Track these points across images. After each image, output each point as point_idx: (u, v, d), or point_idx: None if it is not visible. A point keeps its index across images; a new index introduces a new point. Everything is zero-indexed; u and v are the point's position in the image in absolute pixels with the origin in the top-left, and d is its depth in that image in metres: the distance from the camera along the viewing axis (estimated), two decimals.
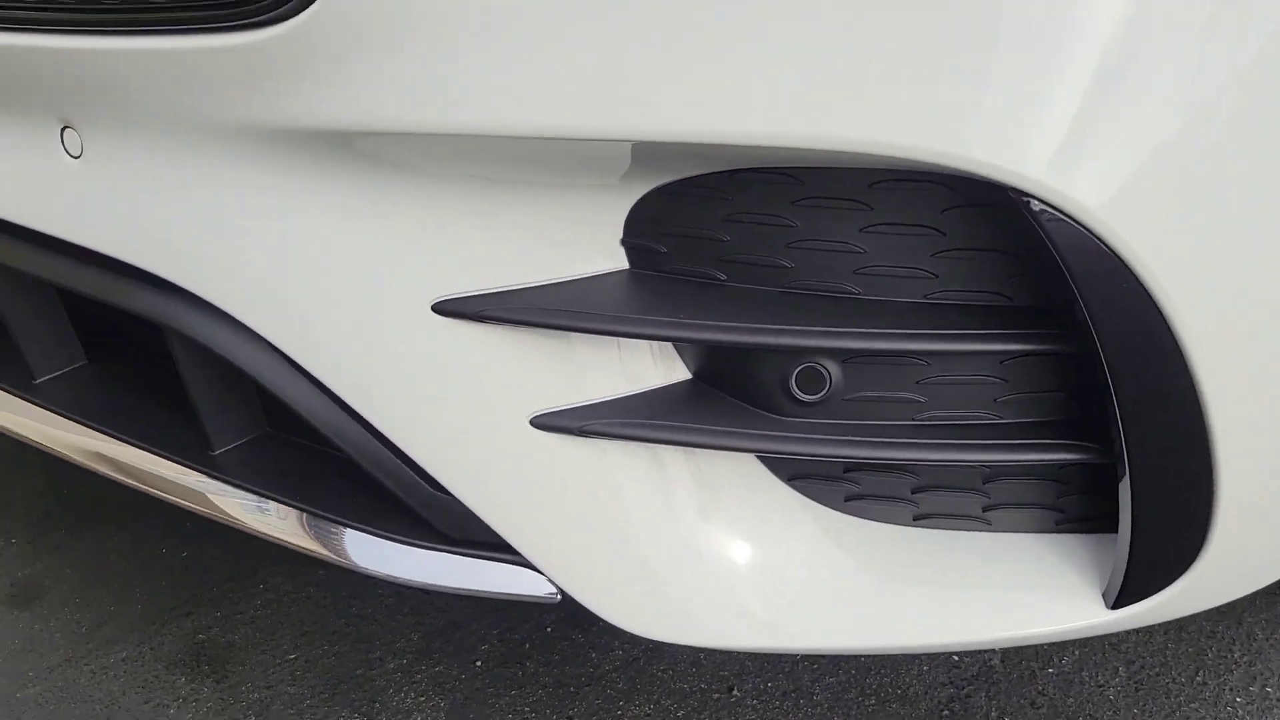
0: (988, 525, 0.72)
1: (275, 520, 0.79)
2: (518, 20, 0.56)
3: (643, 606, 0.71)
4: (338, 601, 1.15)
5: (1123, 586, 0.68)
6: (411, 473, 0.72)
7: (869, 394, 0.66)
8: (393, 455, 0.71)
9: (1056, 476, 0.70)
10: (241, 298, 0.70)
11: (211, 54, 0.61)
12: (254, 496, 0.82)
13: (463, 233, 0.66)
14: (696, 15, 0.54)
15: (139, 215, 0.73)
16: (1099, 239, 0.54)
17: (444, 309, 0.66)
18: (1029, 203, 0.54)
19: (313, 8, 0.58)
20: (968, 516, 0.72)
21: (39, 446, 0.92)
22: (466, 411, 0.69)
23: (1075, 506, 0.71)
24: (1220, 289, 0.58)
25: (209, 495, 0.83)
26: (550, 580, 0.72)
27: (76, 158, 0.74)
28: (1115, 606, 0.69)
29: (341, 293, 0.68)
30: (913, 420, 0.66)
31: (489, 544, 0.72)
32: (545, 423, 0.68)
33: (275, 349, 0.72)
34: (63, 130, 0.74)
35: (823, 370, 0.65)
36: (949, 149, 0.53)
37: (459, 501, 0.71)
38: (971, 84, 0.52)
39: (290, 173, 0.66)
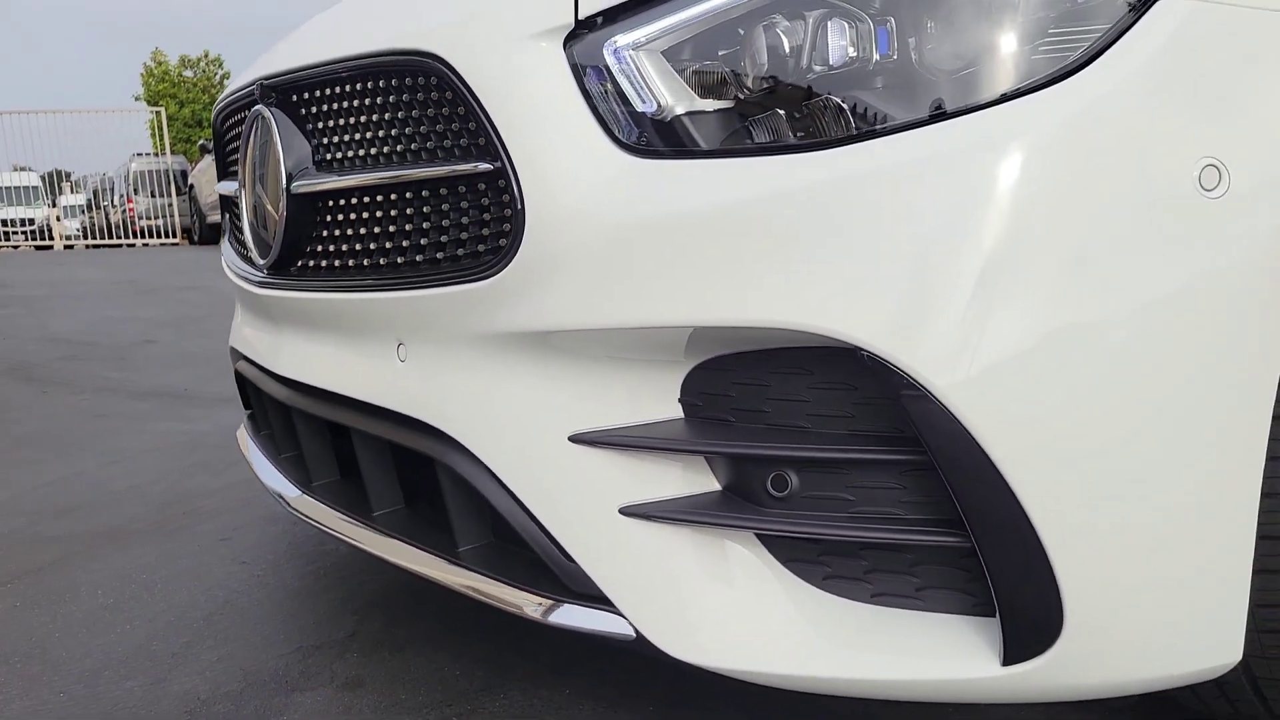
0: (923, 604, 1.02)
1: (480, 586, 1.24)
2: (612, 268, 1.05)
3: (684, 643, 1.08)
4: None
5: (1005, 651, 0.96)
6: (557, 545, 1.15)
7: (816, 494, 1.02)
8: (544, 532, 1.15)
9: (962, 565, 1.00)
10: (482, 442, 1.20)
11: (464, 294, 1.16)
12: (483, 576, 1.27)
13: (590, 390, 1.13)
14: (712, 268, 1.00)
15: (433, 393, 1.27)
16: (927, 391, 0.91)
17: (577, 439, 1.12)
18: (872, 360, 0.92)
19: (509, 267, 1.11)
20: (906, 595, 1.03)
21: (375, 556, 1.45)
22: (584, 508, 1.12)
23: (982, 591, 1.00)
24: (1014, 420, 0.91)
25: (454, 578, 1.31)
26: (629, 623, 1.10)
27: (403, 361, 1.31)
28: (1006, 665, 0.96)
29: (528, 435, 1.15)
30: (845, 512, 1.01)
31: (594, 597, 1.13)
32: (629, 512, 1.10)
33: (494, 474, 1.20)
34: (399, 346, 1.32)
35: (786, 477, 1.03)
36: (834, 328, 0.94)
37: (580, 567, 1.13)
38: (855, 293, 0.94)
39: (505, 358, 1.18)
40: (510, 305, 1.13)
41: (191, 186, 17.86)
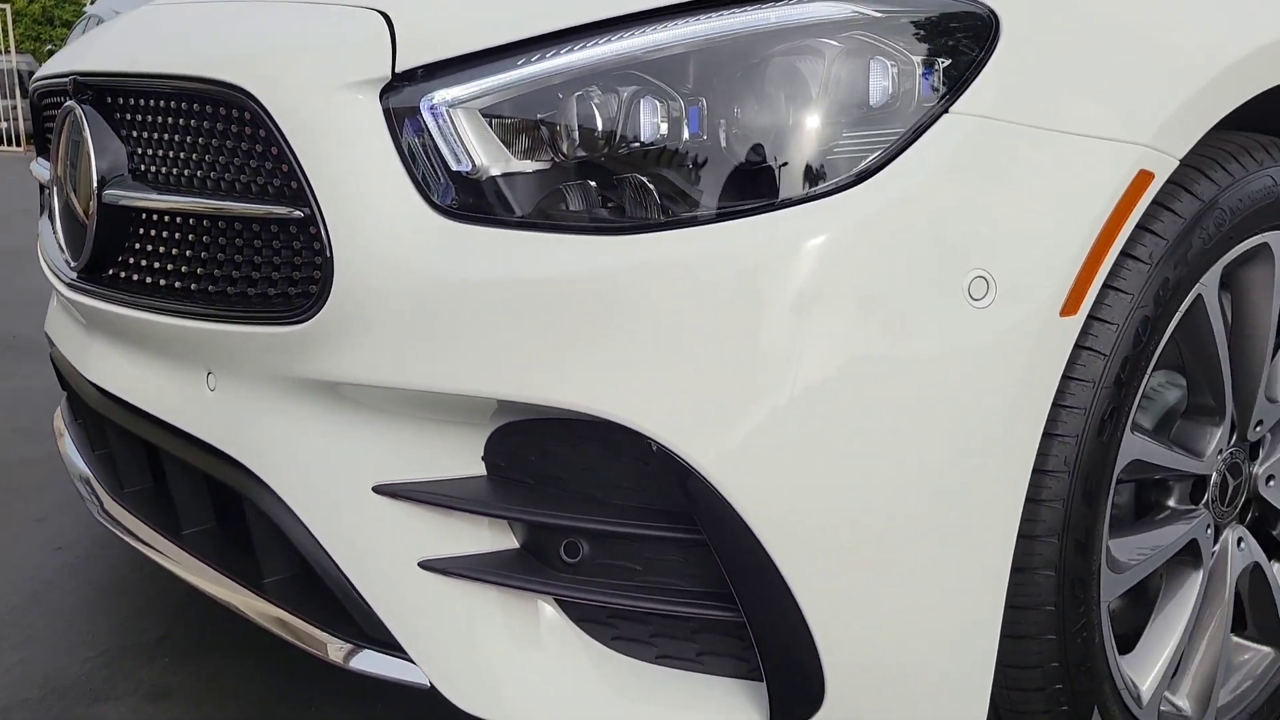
0: (701, 667, 1.08)
1: (284, 619, 1.25)
2: (417, 330, 1.06)
3: (476, 696, 1.11)
4: None
5: (771, 716, 1.03)
6: (356, 593, 1.17)
7: (606, 562, 1.07)
8: (344, 579, 1.17)
9: (737, 634, 1.06)
10: (287, 484, 1.20)
11: (272, 336, 1.15)
12: (286, 612, 1.28)
13: (396, 442, 1.14)
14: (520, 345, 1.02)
15: (242, 428, 1.26)
16: (695, 470, 0.96)
17: (381, 490, 1.14)
18: (654, 445, 0.97)
19: (316, 316, 1.10)
20: (688, 659, 1.08)
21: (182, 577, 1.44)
22: (385, 558, 1.14)
23: (755, 658, 1.06)
24: (773, 497, 0.97)
25: (260, 611, 1.31)
26: (424, 673, 1.13)
27: (213, 391, 1.29)
28: None
29: (333, 482, 1.16)
30: (633, 581, 1.06)
31: (392, 645, 1.15)
32: (428, 566, 1.12)
33: (297, 516, 1.21)
34: (208, 374, 1.30)
35: (579, 544, 1.07)
36: (619, 414, 0.98)
37: (378, 616, 1.15)
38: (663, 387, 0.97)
39: (314, 403, 1.18)
40: (316, 354, 1.13)
41: None
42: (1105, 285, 1.07)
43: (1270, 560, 1.50)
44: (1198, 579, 1.37)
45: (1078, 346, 1.06)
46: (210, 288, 1.24)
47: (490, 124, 1.09)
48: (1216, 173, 1.18)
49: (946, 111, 0.99)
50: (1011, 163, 1.01)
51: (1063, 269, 1.01)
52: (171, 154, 1.28)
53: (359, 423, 1.16)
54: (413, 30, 1.09)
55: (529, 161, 1.08)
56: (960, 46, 1.01)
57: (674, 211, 1.02)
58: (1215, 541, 1.39)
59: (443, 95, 1.08)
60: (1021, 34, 1.02)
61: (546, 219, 1.06)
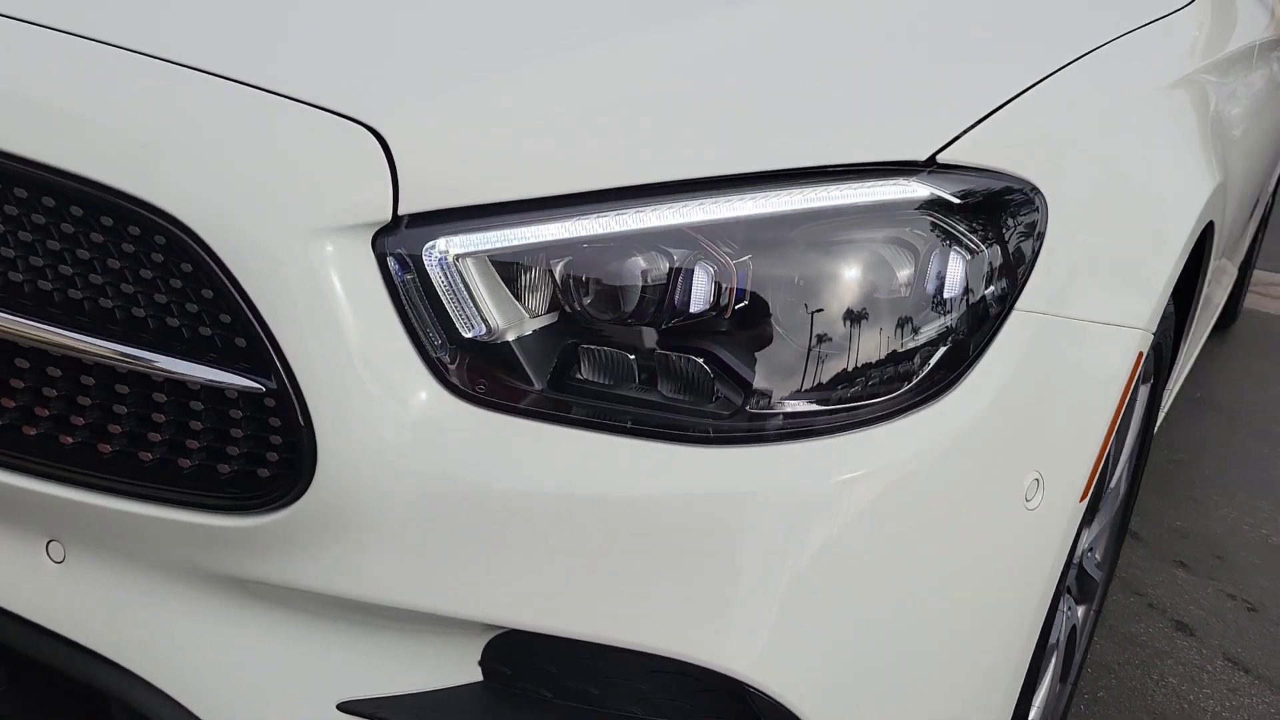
0: None
1: None
2: (427, 541, 0.88)
3: None
4: None
5: None
6: None
7: None
8: None
9: None
10: (205, 702, 0.96)
11: (210, 526, 0.90)
12: None
13: (369, 649, 0.96)
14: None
15: (112, 618, 0.98)
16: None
17: (348, 707, 0.95)
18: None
19: (290, 510, 0.88)
20: None
21: None
22: None
23: None
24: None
25: None
26: None
27: (59, 563, 1.00)
28: None
29: (280, 699, 0.95)
30: None
31: None
32: None
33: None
34: (49, 543, 1.00)
35: None
36: (690, 653, 0.88)
37: None
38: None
39: (249, 603, 0.95)
40: (272, 554, 0.90)
41: None
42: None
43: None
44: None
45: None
46: (111, 450, 0.93)
47: (519, 283, 0.91)
48: None
49: (1015, 309, 0.97)
50: (1061, 358, 1.01)
51: (1089, 457, 1.05)
52: (63, 269, 0.92)
53: (315, 627, 0.96)
54: (416, 159, 0.87)
55: (562, 336, 0.92)
56: (1019, 230, 0.99)
57: (749, 414, 0.91)
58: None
59: (458, 243, 0.89)
60: (1061, 214, 1.02)
61: (599, 417, 0.90)
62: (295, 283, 0.85)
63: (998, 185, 0.98)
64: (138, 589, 0.97)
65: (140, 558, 0.96)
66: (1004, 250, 0.97)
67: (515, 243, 0.90)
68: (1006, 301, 0.97)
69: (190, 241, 0.85)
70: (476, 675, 0.98)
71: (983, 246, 0.96)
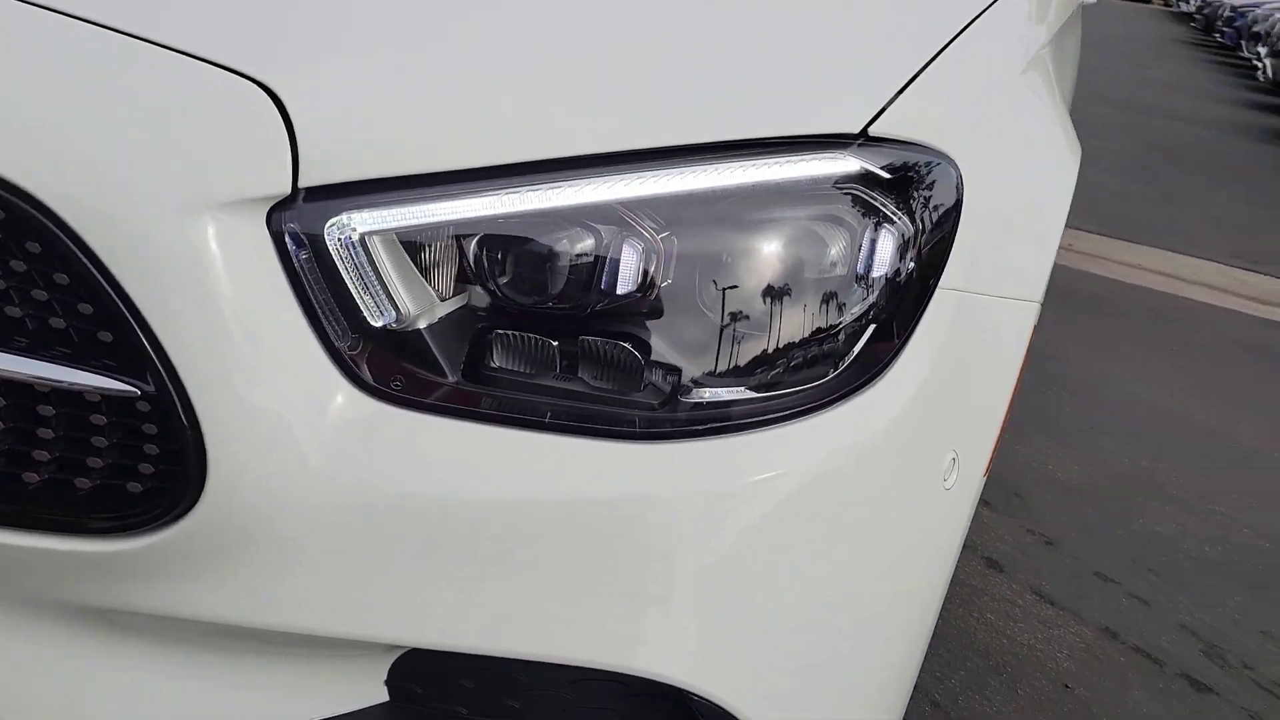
0: None
1: None
2: (332, 557, 0.78)
3: None
4: None
5: None
6: None
7: None
8: None
9: None
10: None
11: (75, 552, 0.77)
12: None
13: (250, 675, 0.85)
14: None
15: None
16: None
17: None
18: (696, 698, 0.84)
19: (174, 529, 0.76)
20: None
21: None
22: None
23: None
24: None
25: None
26: None
27: None
28: None
29: None
30: None
31: None
32: None
33: None
34: None
35: None
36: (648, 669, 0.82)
37: None
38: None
39: (116, 634, 0.82)
40: (160, 580, 0.78)
41: None
42: None
43: None
44: None
45: None
46: None
47: (429, 265, 0.81)
48: None
49: (939, 287, 0.96)
50: (974, 335, 1.01)
51: (994, 431, 1.06)
52: None
53: (191, 657, 0.84)
54: (317, 124, 0.75)
55: (482, 318, 0.84)
56: (943, 206, 0.97)
57: (680, 403, 0.86)
58: None
59: (364, 220, 0.78)
60: (971, 188, 1.01)
61: (519, 411, 0.82)
62: (174, 267, 0.73)
63: (922, 159, 0.96)
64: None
65: None
66: (930, 227, 0.95)
67: (427, 219, 0.81)
68: (930, 280, 0.95)
69: (39, 216, 0.70)
70: (382, 695, 0.89)
71: (910, 223, 0.93)
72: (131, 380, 0.73)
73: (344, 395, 0.78)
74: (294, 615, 0.80)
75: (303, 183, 0.75)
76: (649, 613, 0.82)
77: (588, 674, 0.89)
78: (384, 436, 0.78)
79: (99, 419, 0.74)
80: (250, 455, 0.75)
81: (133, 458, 0.75)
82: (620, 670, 0.83)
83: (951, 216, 0.97)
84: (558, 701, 0.90)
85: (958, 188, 0.98)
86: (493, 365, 0.85)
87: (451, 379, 0.83)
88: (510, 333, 0.85)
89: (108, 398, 0.73)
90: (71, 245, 0.70)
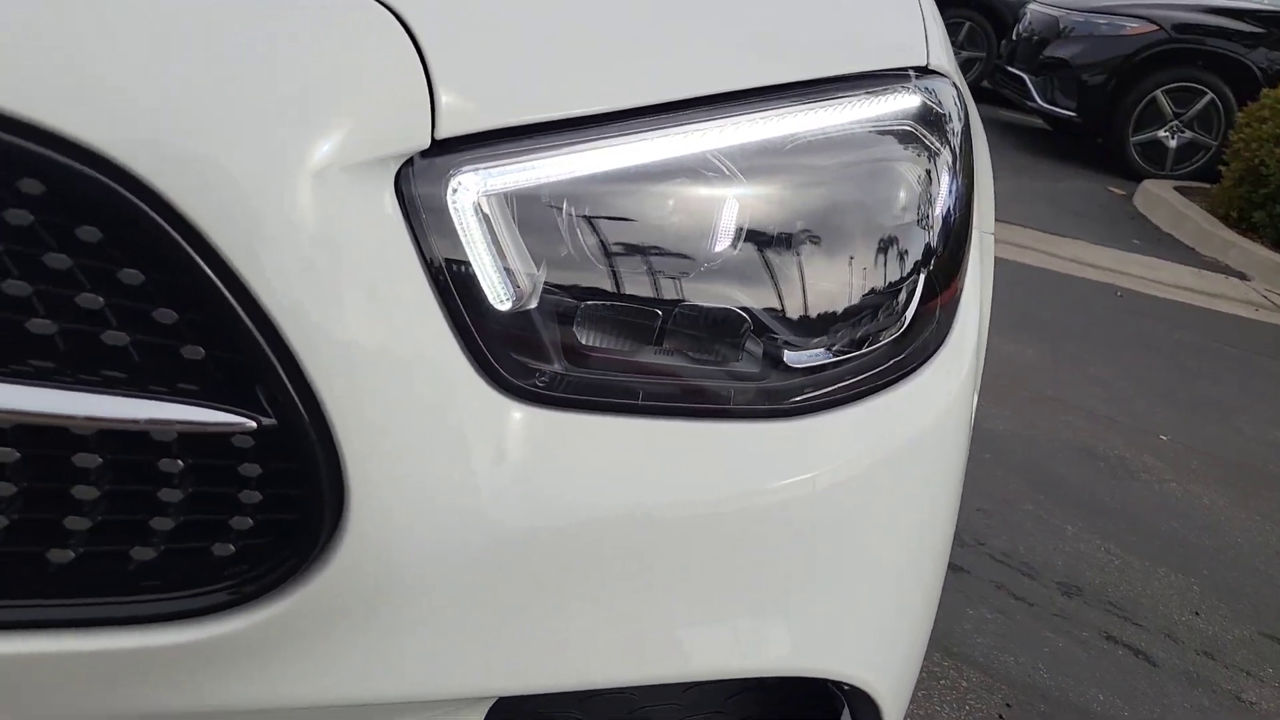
0: None
1: None
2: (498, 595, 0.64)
3: None
4: None
5: None
6: None
7: None
8: None
9: None
10: None
11: (175, 645, 0.56)
12: None
13: None
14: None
15: None
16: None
17: None
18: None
19: (301, 593, 0.58)
20: None
21: None
22: None
23: None
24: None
25: None
26: None
27: None
28: None
29: None
30: None
31: None
32: None
33: None
34: None
35: None
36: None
37: None
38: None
39: None
40: (253, 666, 0.60)
41: None
42: None
43: None
44: None
45: None
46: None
47: (532, 232, 0.68)
48: None
49: (974, 226, 0.95)
50: (986, 271, 1.01)
51: (981, 362, 1.07)
52: None
53: None
54: (450, 60, 0.59)
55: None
56: (966, 135, 0.95)
57: (792, 370, 0.78)
58: None
59: (488, 181, 0.63)
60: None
61: (643, 398, 0.71)
62: (298, 250, 0.54)
63: (954, 93, 0.93)
64: None
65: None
66: (970, 163, 0.93)
67: (547, 178, 0.67)
68: (970, 218, 0.94)
69: (133, 199, 0.50)
70: None
71: (956, 158, 0.91)
72: (252, 413, 0.54)
73: (488, 399, 0.63)
74: (412, 682, 0.65)
75: (441, 133, 0.59)
76: (804, 606, 0.76)
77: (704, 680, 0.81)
78: (539, 445, 0.64)
79: (224, 464, 0.54)
80: (397, 489, 0.59)
81: (260, 510, 0.56)
82: (773, 674, 0.76)
83: (971, 148, 0.97)
84: (669, 712, 0.81)
85: (969, 116, 0.97)
86: (592, 345, 0.73)
87: (559, 367, 0.70)
88: (611, 305, 0.73)
89: (243, 436, 0.54)
90: (178, 237, 0.50)
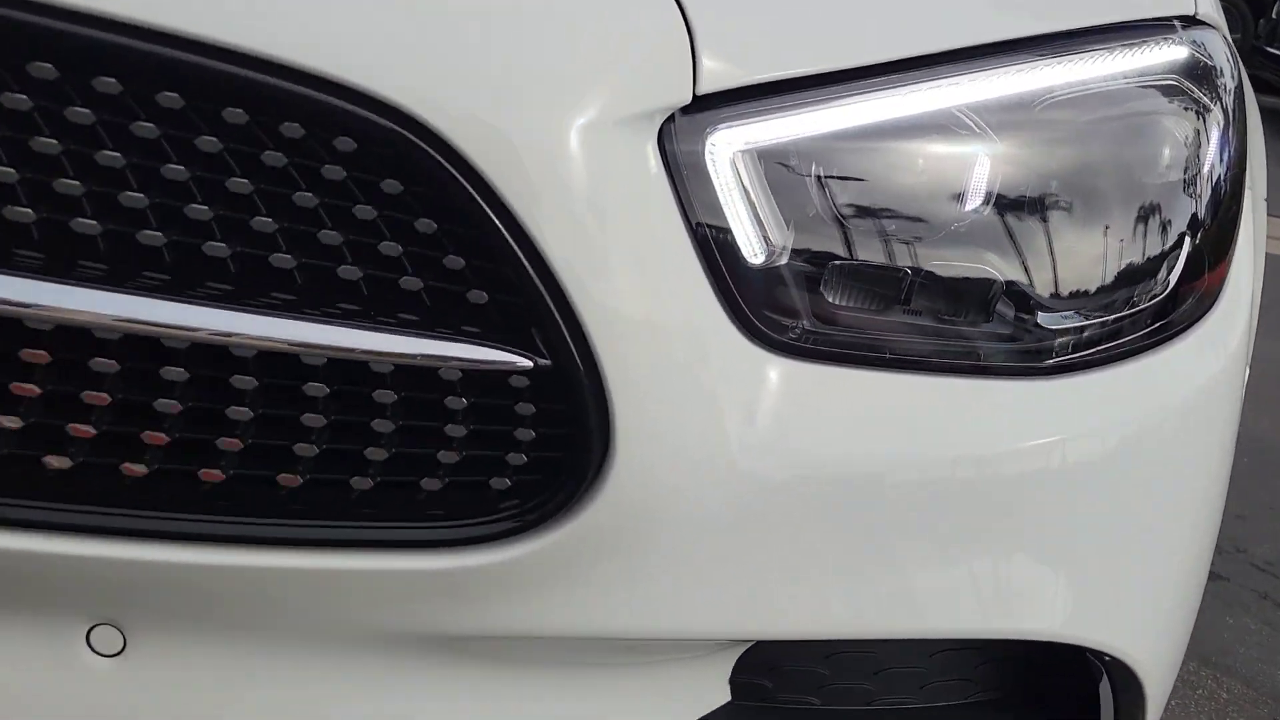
0: None
1: None
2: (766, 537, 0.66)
3: None
4: None
5: None
6: None
7: None
8: None
9: None
10: None
11: (434, 570, 0.62)
12: None
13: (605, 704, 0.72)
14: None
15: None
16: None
17: None
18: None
19: (566, 528, 0.62)
20: None
21: None
22: None
23: None
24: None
25: None
26: None
27: (110, 657, 0.65)
28: None
29: None
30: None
31: None
32: None
33: None
34: (91, 630, 0.65)
35: None
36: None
37: None
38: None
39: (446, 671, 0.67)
40: (528, 593, 0.64)
41: None
42: None
43: None
44: None
45: None
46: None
47: (783, 188, 0.69)
48: None
49: (1244, 190, 0.90)
50: (1259, 233, 0.96)
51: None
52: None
53: (536, 679, 0.70)
54: (716, 17, 0.62)
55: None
56: (1235, 90, 0.90)
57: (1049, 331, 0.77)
58: None
59: (744, 136, 0.65)
60: None
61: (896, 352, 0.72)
62: (574, 203, 0.58)
63: (1224, 46, 0.89)
64: (289, 668, 0.66)
65: (282, 627, 0.65)
66: (1244, 121, 0.89)
67: (794, 134, 0.68)
68: (1243, 181, 0.89)
69: (434, 153, 0.54)
70: (724, 695, 0.78)
71: (1230, 118, 0.87)
72: (530, 353, 0.59)
73: (744, 351, 0.65)
74: (671, 620, 0.67)
75: (701, 89, 0.62)
76: (1057, 570, 0.74)
77: (948, 644, 0.80)
78: (796, 395, 0.66)
79: (505, 401, 0.59)
80: (661, 430, 0.62)
81: (536, 447, 0.61)
82: (1033, 637, 0.74)
83: (1244, 104, 0.91)
84: (913, 678, 0.81)
85: (1240, 72, 0.92)
86: (840, 303, 0.74)
87: (806, 323, 0.71)
88: (858, 263, 0.73)
89: (520, 373, 0.58)
90: (471, 189, 0.55)
